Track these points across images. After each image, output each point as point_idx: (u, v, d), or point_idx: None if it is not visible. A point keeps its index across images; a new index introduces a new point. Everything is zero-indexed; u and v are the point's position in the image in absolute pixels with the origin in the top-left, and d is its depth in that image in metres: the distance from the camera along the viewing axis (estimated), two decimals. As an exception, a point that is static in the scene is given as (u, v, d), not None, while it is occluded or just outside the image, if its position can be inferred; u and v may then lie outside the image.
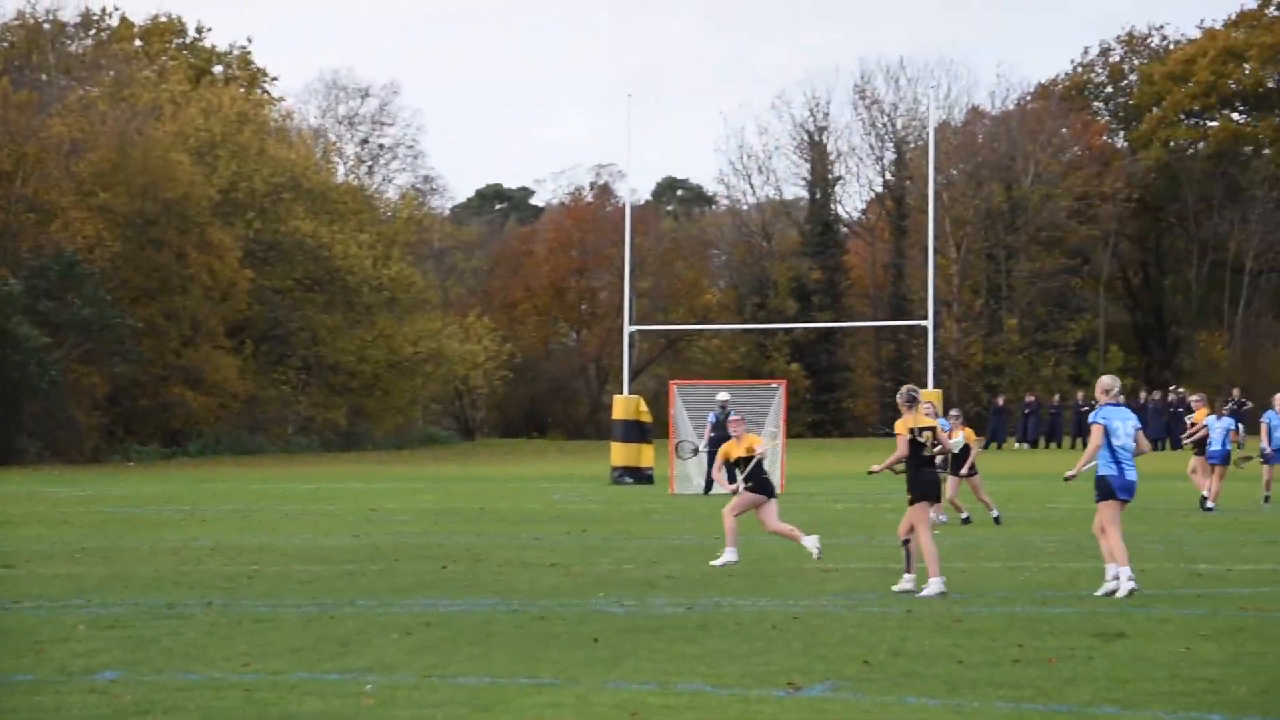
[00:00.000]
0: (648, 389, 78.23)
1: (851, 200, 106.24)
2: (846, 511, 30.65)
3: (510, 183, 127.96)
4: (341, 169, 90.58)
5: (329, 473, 52.56)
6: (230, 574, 20.64)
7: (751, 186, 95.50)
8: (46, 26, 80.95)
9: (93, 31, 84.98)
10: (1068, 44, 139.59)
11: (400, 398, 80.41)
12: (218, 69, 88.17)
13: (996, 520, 28.29)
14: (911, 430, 18.34)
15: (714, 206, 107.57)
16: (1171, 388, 69.18)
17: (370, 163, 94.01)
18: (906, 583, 18.49)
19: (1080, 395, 69.36)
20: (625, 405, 45.48)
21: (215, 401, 68.95)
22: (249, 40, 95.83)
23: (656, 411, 48.10)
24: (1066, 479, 18.93)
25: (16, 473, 53.06)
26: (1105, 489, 18.19)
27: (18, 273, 61.92)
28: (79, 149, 67.10)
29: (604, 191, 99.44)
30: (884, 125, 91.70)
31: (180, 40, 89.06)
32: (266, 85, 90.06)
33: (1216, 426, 31.75)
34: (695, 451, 39.16)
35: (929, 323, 48.95)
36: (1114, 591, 17.84)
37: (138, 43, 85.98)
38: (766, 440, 22.82)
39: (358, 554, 23.24)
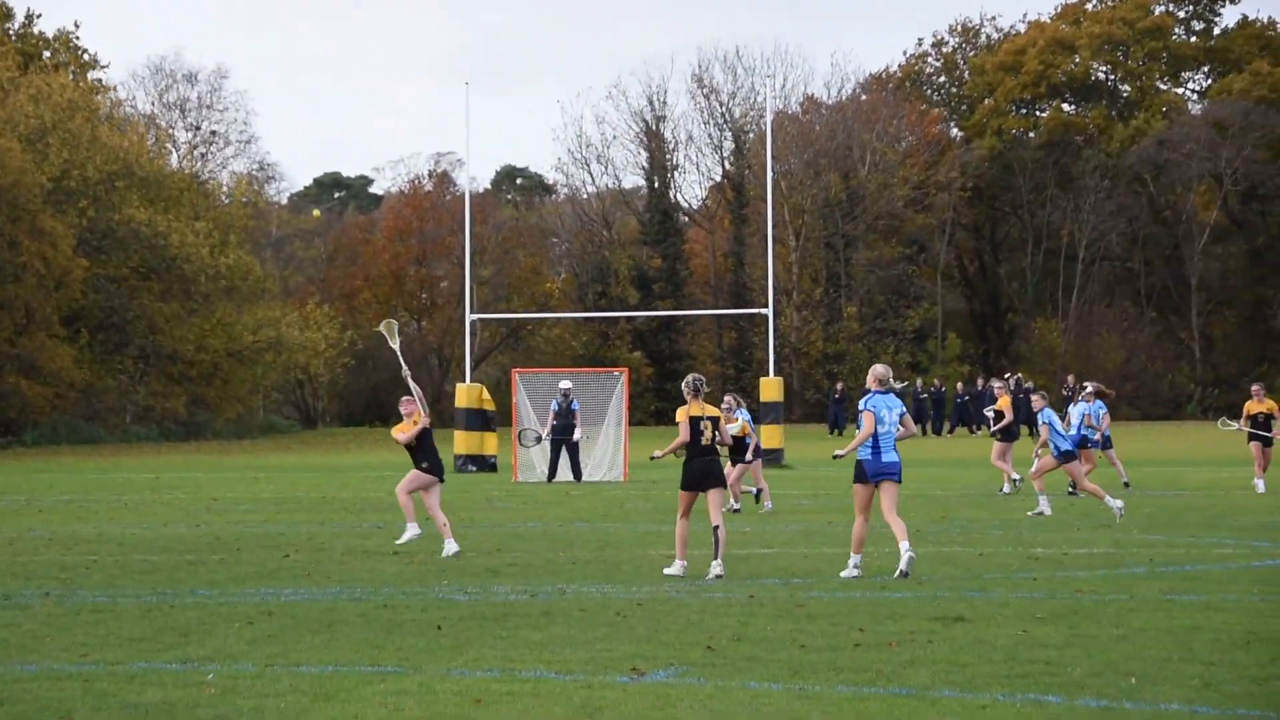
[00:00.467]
0: (490, 377, 78.29)
1: (691, 189, 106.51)
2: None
3: (349, 171, 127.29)
4: (175, 156, 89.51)
5: (169, 462, 51.99)
6: (68, 564, 20.38)
7: (591, 175, 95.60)
8: None
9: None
10: (902, 34, 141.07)
11: (240, 387, 79.66)
12: (46, 54, 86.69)
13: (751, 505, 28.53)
14: (692, 418, 18.76)
15: (554, 195, 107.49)
16: (1006, 375, 70.11)
17: (204, 149, 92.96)
18: (715, 568, 18.72)
19: (919, 382, 70.20)
20: (468, 393, 45.42)
21: (51, 391, 67.97)
22: (76, 25, 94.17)
23: (499, 400, 48.10)
24: (835, 457, 20.33)
25: None
26: (859, 472, 18.96)
27: None
28: (-96, 134, 65.86)
29: (443, 180, 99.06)
30: (722, 114, 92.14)
31: (8, 26, 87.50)
32: (96, 72, 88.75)
33: (1073, 413, 32.14)
34: (538, 440, 39.28)
35: (769, 311, 49.34)
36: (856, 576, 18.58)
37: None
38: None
39: (198, 544, 23.03)
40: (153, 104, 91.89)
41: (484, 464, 44.34)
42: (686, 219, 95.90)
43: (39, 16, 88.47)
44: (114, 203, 73.70)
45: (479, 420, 44.78)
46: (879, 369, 19.33)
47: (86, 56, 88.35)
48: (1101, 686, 12.06)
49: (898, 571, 18.42)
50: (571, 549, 22.08)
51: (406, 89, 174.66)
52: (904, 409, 19.15)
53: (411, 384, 22.89)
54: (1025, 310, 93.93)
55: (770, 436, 44.11)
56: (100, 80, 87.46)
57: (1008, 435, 32.60)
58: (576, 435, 39.07)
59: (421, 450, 22.00)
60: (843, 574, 18.69)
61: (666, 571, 18.94)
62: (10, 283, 66.82)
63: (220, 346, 76.60)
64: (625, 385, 42.27)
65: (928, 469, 41.00)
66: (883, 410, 18.84)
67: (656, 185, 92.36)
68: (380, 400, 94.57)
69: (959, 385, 71.53)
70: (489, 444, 44.83)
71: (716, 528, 18.75)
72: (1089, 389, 32.16)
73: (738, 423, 27.17)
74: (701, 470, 18.86)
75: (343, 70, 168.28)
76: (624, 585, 17.97)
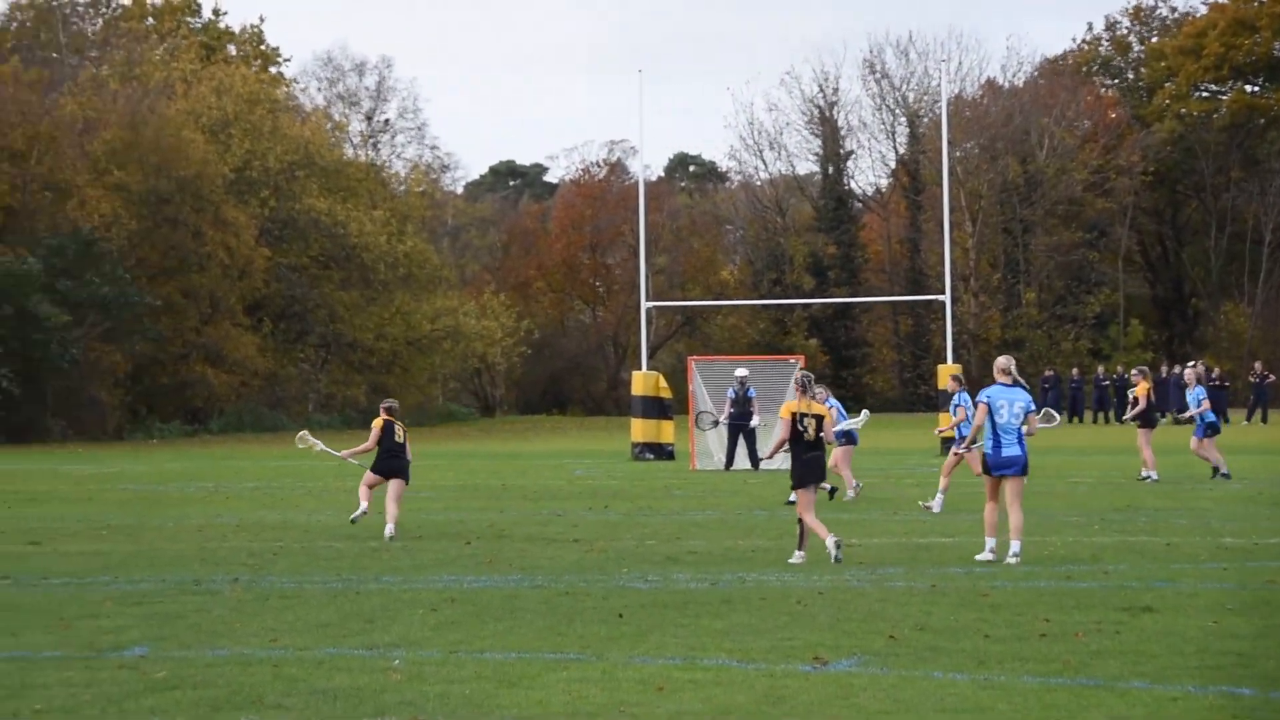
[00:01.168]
0: (666, 365, 78.28)
1: (864, 175, 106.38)
2: (869, 487, 30.62)
3: (523, 159, 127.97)
4: (350, 147, 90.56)
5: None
6: (255, 550, 20.70)
7: (764, 162, 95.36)
8: (56, 5, 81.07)
9: (103, 11, 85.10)
10: (1077, 16, 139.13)
11: (419, 375, 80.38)
12: (230, 49, 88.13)
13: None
14: (794, 414, 19.03)
15: (727, 183, 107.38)
16: (1192, 363, 68.95)
17: (375, 138, 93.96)
18: (797, 558, 18.89)
19: (1101, 369, 69.26)
20: (645, 381, 45.49)
21: (236, 379, 69.07)
22: (261, 20, 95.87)
23: (675, 388, 48.12)
24: (955, 453, 21.88)
25: (41, 451, 53.27)
26: (983, 465, 19.35)
27: (36, 251, 62.03)
28: (92, 127, 67.17)
29: (616, 168, 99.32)
30: (895, 99, 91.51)
31: (195, 20, 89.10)
32: (278, 66, 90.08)
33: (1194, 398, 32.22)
34: (715, 423, 39.17)
35: (947, 297, 48.93)
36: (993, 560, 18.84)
37: (149, 21, 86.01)
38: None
39: (381, 530, 23.26)
40: (325, 95, 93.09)
41: (661, 452, 44.37)
42: (861, 205, 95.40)
43: (225, 13, 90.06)
44: (294, 192, 74.72)
45: (655, 408, 44.82)
46: (1000, 361, 19.46)
47: (266, 49, 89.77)
48: (1296, 679, 11.84)
49: (1006, 559, 18.71)
50: (751, 537, 22.06)
51: (580, 77, 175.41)
52: (1030, 403, 19.13)
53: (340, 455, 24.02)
54: (1210, 295, 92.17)
55: (947, 424, 43.68)
56: (281, 73, 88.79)
57: (1147, 422, 32.27)
58: (754, 423, 38.92)
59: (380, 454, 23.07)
60: (977, 556, 18.98)
61: (790, 561, 18.94)
62: (195, 272, 67.96)
63: (399, 335, 77.37)
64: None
65: (1111, 456, 40.46)
66: (1000, 402, 18.90)
67: (830, 171, 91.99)
68: (558, 388, 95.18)
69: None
70: (665, 432, 44.84)
71: (801, 520, 19.01)
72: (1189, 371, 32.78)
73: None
74: (810, 465, 19.11)
75: (517, 59, 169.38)
76: (804, 574, 17.91)
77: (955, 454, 24.41)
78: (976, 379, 71.88)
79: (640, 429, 44.64)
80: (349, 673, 12.19)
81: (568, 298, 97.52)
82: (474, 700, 11.24)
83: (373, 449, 23.26)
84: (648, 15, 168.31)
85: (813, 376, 19.83)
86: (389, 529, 22.29)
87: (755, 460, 38.86)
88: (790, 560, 18.93)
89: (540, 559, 19.54)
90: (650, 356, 51.48)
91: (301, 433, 25.11)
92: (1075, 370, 71.50)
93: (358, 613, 15.12)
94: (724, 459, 39.03)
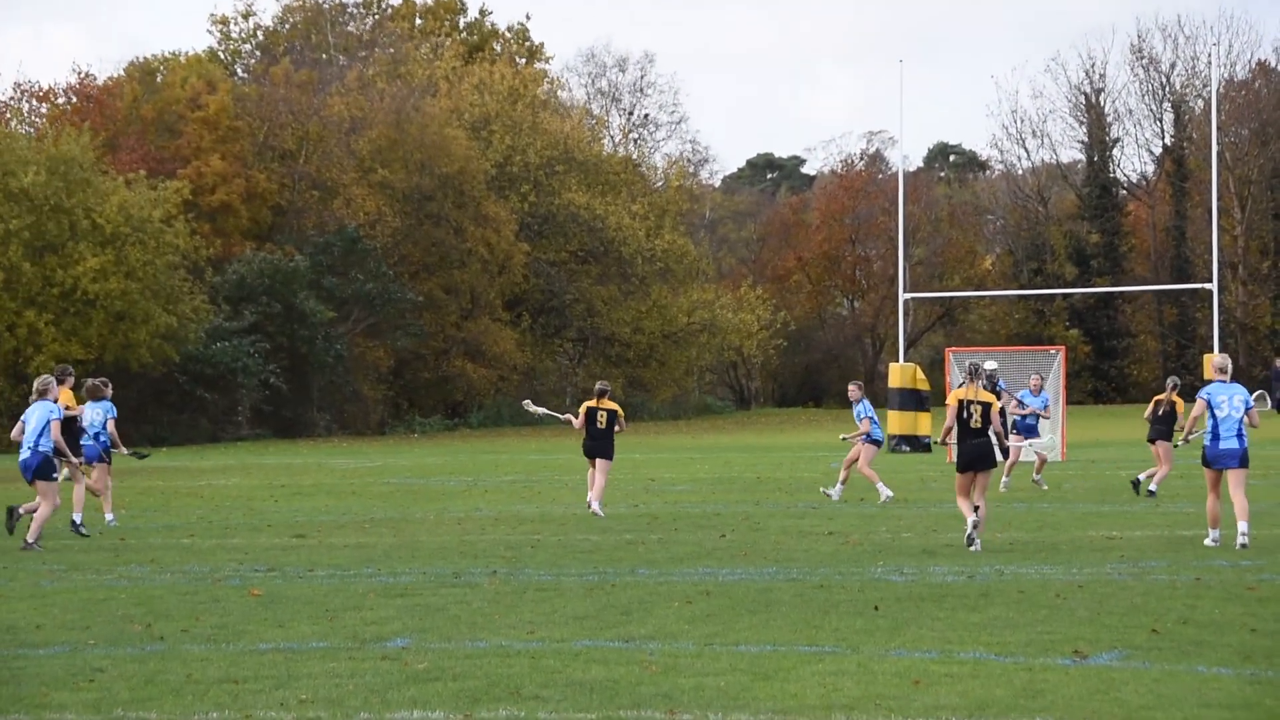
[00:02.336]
0: (924, 357, 77.73)
1: (1130, 162, 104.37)
2: (1130, 479, 30.08)
3: (781, 152, 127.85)
4: (609, 141, 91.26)
5: (607, 443, 52.96)
6: (513, 543, 20.93)
7: (1026, 150, 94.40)
8: (327, 6, 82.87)
9: (374, 11, 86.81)
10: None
11: (676, 368, 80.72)
12: (496, 46, 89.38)
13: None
14: (960, 401, 19.72)
15: (988, 172, 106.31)
16: None
17: (636, 133, 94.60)
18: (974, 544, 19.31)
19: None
20: (902, 373, 45.19)
21: (495, 373, 70.05)
22: (528, 18, 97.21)
23: (933, 380, 47.71)
24: (1175, 445, 22.54)
25: (307, 445, 54.53)
26: (1203, 458, 19.66)
27: (303, 249, 63.52)
28: (358, 127, 68.59)
29: (875, 159, 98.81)
30: (1162, 84, 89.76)
31: (463, 19, 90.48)
32: (543, 62, 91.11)
33: None
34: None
35: (1214, 285, 47.88)
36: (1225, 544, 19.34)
37: (418, 21, 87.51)
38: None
39: (637, 523, 23.42)
40: (586, 90, 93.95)
41: (917, 444, 44.04)
42: (1125, 193, 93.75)
43: (491, 13, 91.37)
44: (554, 187, 75.53)
45: (912, 400, 44.49)
46: (1216, 360, 19.90)
47: (529, 45, 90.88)
48: None
49: (1238, 543, 18.98)
50: (1009, 529, 21.79)
51: (838, 68, 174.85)
52: (1249, 398, 19.53)
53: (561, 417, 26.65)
54: None
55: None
56: (544, 69, 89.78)
57: None
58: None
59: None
60: (1205, 543, 19.49)
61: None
62: (456, 268, 69.05)
63: (656, 328, 77.77)
64: (1062, 363, 41.50)
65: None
66: (1219, 397, 19.31)
67: (1095, 159, 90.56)
68: (814, 380, 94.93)
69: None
70: (923, 424, 44.49)
71: (977, 507, 19.43)
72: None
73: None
74: (974, 453, 19.65)
75: (774, 51, 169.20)
76: (1063, 566, 17.65)
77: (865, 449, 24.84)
78: (1244, 369, 70.28)
79: (897, 421, 44.36)
80: (605, 665, 12.27)
81: (826, 290, 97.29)
82: (729, 693, 11.24)
83: (580, 428, 25.50)
84: (909, 4, 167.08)
85: (981, 365, 20.56)
86: (594, 505, 24.55)
87: (1006, 450, 38.20)
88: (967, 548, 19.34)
89: (795, 551, 19.49)
90: (908, 348, 51.18)
91: (525, 400, 27.88)
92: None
93: (614, 605, 15.21)
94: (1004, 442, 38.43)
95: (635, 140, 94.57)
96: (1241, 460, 19.28)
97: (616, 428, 25.32)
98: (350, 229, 64.14)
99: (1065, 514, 24.13)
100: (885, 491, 27.04)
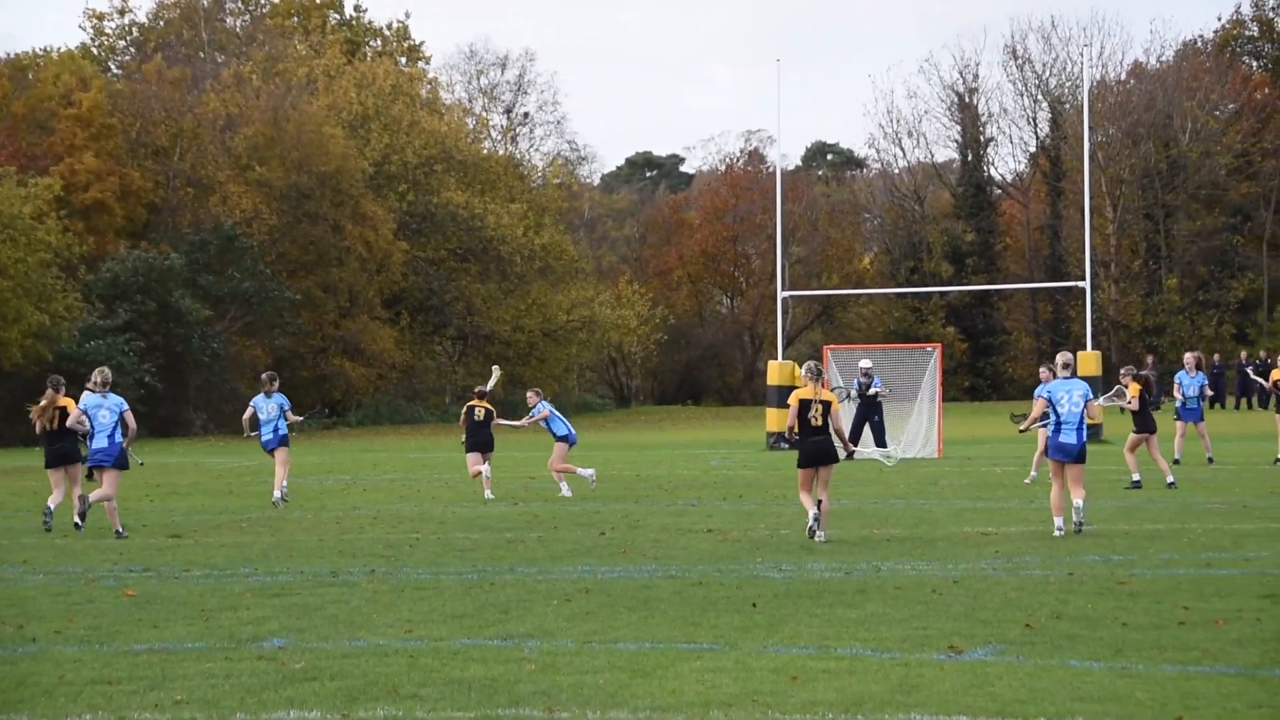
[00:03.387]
0: (803, 355, 78.12)
1: (1004, 161, 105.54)
2: (1005, 475, 30.39)
3: (660, 150, 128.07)
4: (489, 140, 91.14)
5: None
6: (392, 542, 20.86)
7: (902, 150, 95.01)
8: (204, 3, 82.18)
9: (251, 7, 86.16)
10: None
11: (556, 365, 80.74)
12: (375, 43, 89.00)
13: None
14: (802, 400, 20.42)
15: (865, 170, 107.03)
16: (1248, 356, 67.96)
17: (515, 131, 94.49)
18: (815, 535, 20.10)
19: (1244, 354, 68.27)
20: (780, 371, 45.43)
21: (374, 372, 69.76)
22: (407, 15, 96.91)
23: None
24: (1020, 430, 23.29)
25: (182, 444, 54.05)
26: (1047, 449, 21.32)
27: (178, 247, 62.95)
28: (234, 124, 68.09)
29: (755, 157, 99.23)
30: (1037, 85, 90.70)
31: (337, 16, 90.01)
32: (422, 62, 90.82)
33: (1189, 383, 33.01)
34: (849, 397, 38.96)
35: (1086, 284, 48.45)
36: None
37: (295, 19, 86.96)
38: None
39: (516, 522, 23.40)
40: (467, 89, 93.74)
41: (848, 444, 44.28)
42: (1000, 192, 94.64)
43: (365, 9, 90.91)
44: (432, 186, 75.37)
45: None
46: (1060, 357, 21.36)
47: (409, 44, 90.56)
48: None
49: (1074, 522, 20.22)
50: (886, 526, 21.96)
51: (717, 67, 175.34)
52: (1088, 392, 20.71)
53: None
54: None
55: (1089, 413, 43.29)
56: (423, 68, 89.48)
57: None
58: (881, 402, 38.79)
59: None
60: (1055, 534, 20.39)
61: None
62: (335, 266, 68.70)
63: (535, 326, 77.76)
64: (939, 361, 41.86)
65: (1254, 443, 39.90)
66: (1059, 394, 20.55)
67: (969, 158, 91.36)
68: (694, 378, 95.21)
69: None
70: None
71: (820, 501, 20.20)
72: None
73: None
74: (815, 449, 20.31)
75: (653, 50, 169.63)
76: (939, 562, 17.81)
77: None
78: (1115, 366, 71.20)
79: (776, 418, 44.56)
80: (484, 663, 12.25)
81: (706, 287, 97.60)
82: (608, 690, 11.26)
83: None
84: (786, 4, 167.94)
85: (819, 367, 21.13)
86: (488, 494, 27.64)
87: (882, 438, 38.64)
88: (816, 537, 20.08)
89: (675, 549, 19.55)
90: (787, 346, 51.43)
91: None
92: (1217, 356, 70.45)
93: (493, 603, 15.20)
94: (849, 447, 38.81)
95: (515, 139, 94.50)
96: (1079, 456, 20.42)
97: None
98: (227, 227, 63.65)
99: (941, 510, 24.34)
100: (583, 475, 29.36)
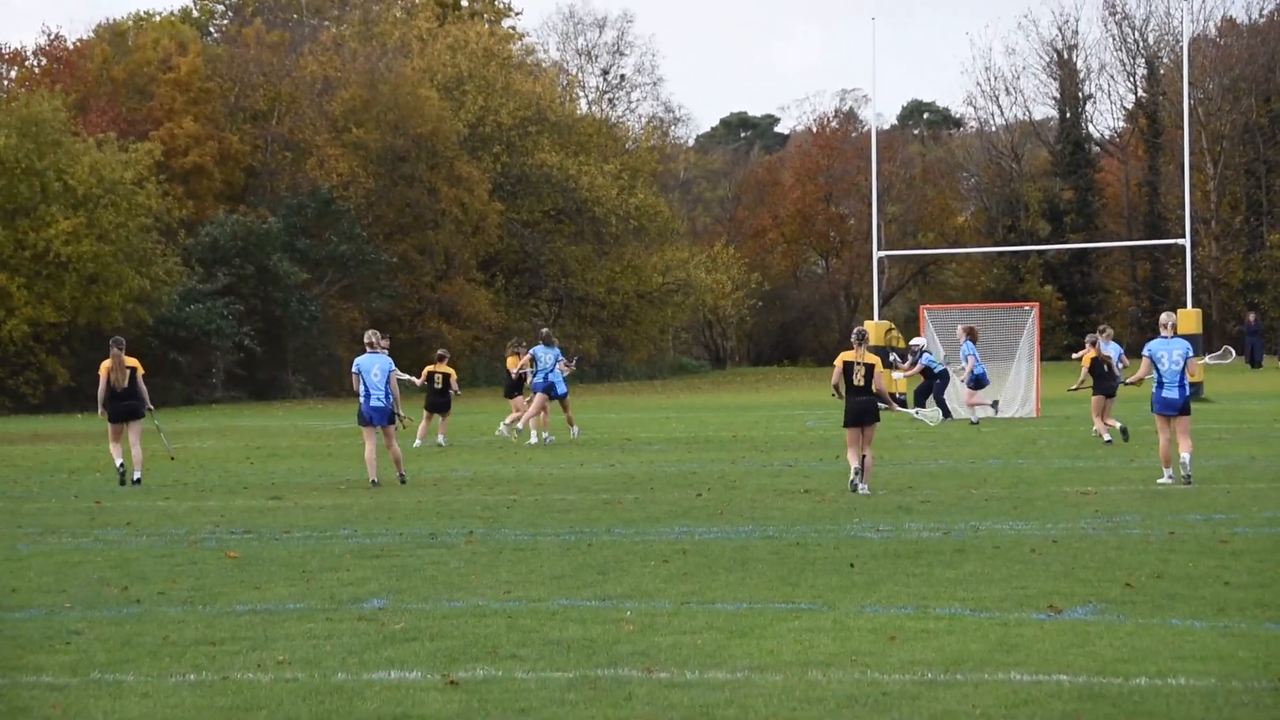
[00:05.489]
0: (900, 315, 77.82)
1: (1103, 118, 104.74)
2: (1079, 435, 30.15)
3: (755, 111, 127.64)
4: (584, 101, 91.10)
5: (583, 403, 53.01)
6: (490, 504, 20.95)
7: (999, 108, 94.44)
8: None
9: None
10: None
11: (651, 327, 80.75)
12: (464, 3, 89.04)
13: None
14: (846, 363, 21.38)
15: (961, 129, 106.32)
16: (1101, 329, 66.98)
17: (611, 94, 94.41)
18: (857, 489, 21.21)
19: (1252, 316, 67.41)
20: (876, 331, 45.24)
21: (470, 334, 69.95)
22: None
23: (909, 337, 47.72)
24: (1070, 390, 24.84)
25: (282, 407, 54.44)
26: (1152, 405, 22.06)
27: (276, 211, 63.35)
28: (331, 87, 68.34)
29: (850, 117, 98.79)
30: (1135, 40, 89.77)
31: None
32: (511, 20, 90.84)
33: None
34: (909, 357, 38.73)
35: (1186, 241, 48.01)
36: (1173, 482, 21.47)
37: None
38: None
39: (613, 483, 23.44)
40: (561, 50, 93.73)
41: (894, 401, 44.02)
42: (1099, 149, 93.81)
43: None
44: (527, 148, 75.40)
45: (886, 357, 44.51)
46: (1163, 317, 22.44)
47: (501, 4, 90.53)
48: None
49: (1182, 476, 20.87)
50: (984, 486, 21.86)
51: (812, 26, 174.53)
52: (1189, 350, 21.73)
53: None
54: None
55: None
56: (514, 28, 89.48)
57: None
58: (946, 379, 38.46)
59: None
60: (1158, 481, 21.45)
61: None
62: (430, 229, 68.92)
63: (630, 288, 77.74)
64: (1037, 320, 41.56)
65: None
66: (1160, 352, 21.66)
67: (1068, 116, 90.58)
68: (790, 339, 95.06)
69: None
70: (897, 381, 44.51)
71: (864, 456, 21.27)
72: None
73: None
74: (858, 409, 21.30)
75: (747, 10, 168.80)
76: (1038, 522, 17.72)
77: None
78: (1217, 324, 70.53)
79: (871, 379, 44.29)
80: (582, 624, 12.29)
81: (801, 248, 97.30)
82: (705, 650, 11.27)
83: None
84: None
85: (867, 332, 22.11)
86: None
87: (944, 409, 38.20)
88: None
89: (772, 510, 19.54)
90: (883, 305, 51.20)
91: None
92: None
93: (591, 564, 15.23)
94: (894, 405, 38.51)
95: (612, 101, 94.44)
96: (1183, 408, 21.60)
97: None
98: (324, 190, 63.95)
99: (1040, 470, 24.20)
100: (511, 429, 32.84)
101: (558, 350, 32.48)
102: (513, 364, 33.62)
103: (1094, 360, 30.17)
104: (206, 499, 22.26)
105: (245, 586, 14.34)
